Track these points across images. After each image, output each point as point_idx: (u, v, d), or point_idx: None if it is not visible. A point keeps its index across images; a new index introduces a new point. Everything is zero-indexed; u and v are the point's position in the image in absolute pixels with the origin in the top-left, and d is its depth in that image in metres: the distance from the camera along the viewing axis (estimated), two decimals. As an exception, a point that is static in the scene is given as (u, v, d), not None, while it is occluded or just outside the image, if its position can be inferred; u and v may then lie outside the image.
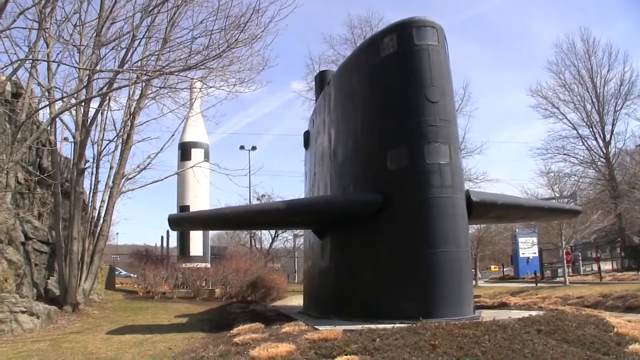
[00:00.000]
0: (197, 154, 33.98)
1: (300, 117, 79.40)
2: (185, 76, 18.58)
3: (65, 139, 27.18)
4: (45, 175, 20.48)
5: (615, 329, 10.25)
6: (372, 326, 10.21)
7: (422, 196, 12.22)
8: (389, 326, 10.11)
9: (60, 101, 19.08)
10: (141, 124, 25.37)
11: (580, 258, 44.35)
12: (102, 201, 23.81)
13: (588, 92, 48.07)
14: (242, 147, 52.57)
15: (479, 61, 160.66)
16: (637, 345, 9.06)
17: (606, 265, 42.04)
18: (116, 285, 34.28)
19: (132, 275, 42.59)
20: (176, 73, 17.86)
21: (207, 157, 33.91)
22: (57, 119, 20.57)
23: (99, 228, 23.36)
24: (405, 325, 10.14)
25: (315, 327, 11.16)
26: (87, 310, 20.73)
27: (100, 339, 14.27)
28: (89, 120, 21.44)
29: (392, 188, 12.71)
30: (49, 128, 20.69)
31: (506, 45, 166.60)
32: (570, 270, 38.22)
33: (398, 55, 13.25)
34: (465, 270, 12.62)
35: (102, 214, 23.76)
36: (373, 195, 12.98)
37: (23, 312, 16.00)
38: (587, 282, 32.01)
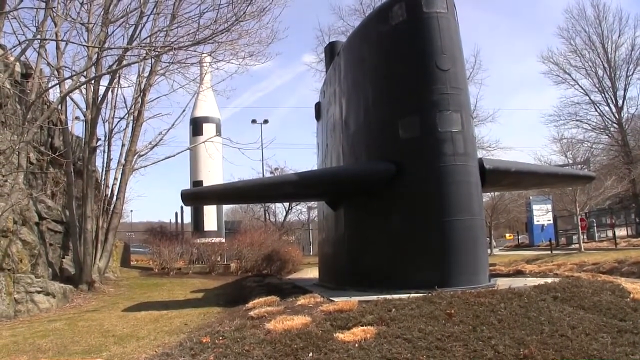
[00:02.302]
0: (208, 129, 34.02)
1: (312, 89, 79.16)
2: (194, 51, 18.52)
3: (77, 118, 27.20)
4: (57, 154, 20.54)
5: (632, 295, 10.17)
6: (388, 296, 10.22)
7: (435, 164, 12.13)
8: (404, 296, 10.09)
9: (69, 80, 19.06)
10: (152, 101, 25.45)
11: (594, 224, 44.17)
12: (115, 179, 23.97)
13: (599, 57, 47.34)
14: (254, 121, 52.80)
15: (490, 29, 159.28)
16: (654, 310, 9.02)
17: (621, 231, 41.85)
18: (132, 263, 34.49)
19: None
20: (185, 48, 17.80)
21: (219, 132, 33.98)
22: (67, 98, 20.57)
23: (112, 206, 23.49)
24: (421, 294, 10.12)
25: (331, 298, 11.16)
26: (102, 289, 20.90)
27: (116, 317, 14.37)
28: (99, 99, 21.48)
29: (404, 157, 12.62)
30: (59, 107, 20.70)
31: (517, 12, 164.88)
32: (585, 236, 38.12)
33: (407, 23, 13.06)
34: (480, 238, 12.56)
35: (115, 192, 23.89)
36: (386, 165, 12.89)
37: (39, 292, 16.12)
38: (602, 249, 31.91)
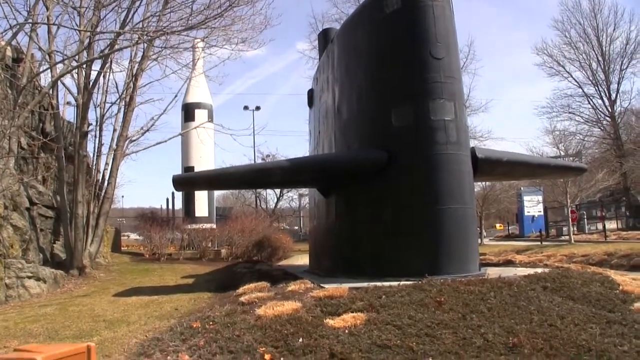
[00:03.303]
0: (200, 115, 33.96)
1: (305, 76, 79.08)
2: (187, 36, 18.38)
3: (68, 102, 27.05)
4: (49, 139, 20.40)
5: (621, 287, 10.26)
6: (378, 283, 10.24)
7: (428, 153, 12.14)
8: (394, 283, 10.13)
9: (61, 64, 18.92)
10: (144, 86, 25.27)
11: (585, 217, 44.24)
12: (106, 164, 23.85)
13: (594, 50, 47.38)
14: (246, 108, 52.76)
15: (487, 20, 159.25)
16: (643, 302, 9.08)
17: (611, 224, 41.94)
18: (122, 248, 34.42)
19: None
20: (178, 33, 17.68)
21: (210, 118, 33.90)
22: (59, 82, 20.42)
23: (103, 191, 23.38)
24: (411, 282, 10.16)
25: (321, 285, 11.19)
26: (93, 274, 20.83)
27: (107, 302, 14.37)
28: (90, 83, 21.33)
29: (397, 145, 12.63)
30: (50, 92, 20.56)
31: (514, 4, 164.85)
32: (575, 228, 38.26)
33: (402, 11, 13.01)
34: (470, 227, 12.60)
35: (107, 177, 23.78)
36: (378, 153, 12.90)
37: (30, 277, 16.10)
38: (592, 241, 31.97)
